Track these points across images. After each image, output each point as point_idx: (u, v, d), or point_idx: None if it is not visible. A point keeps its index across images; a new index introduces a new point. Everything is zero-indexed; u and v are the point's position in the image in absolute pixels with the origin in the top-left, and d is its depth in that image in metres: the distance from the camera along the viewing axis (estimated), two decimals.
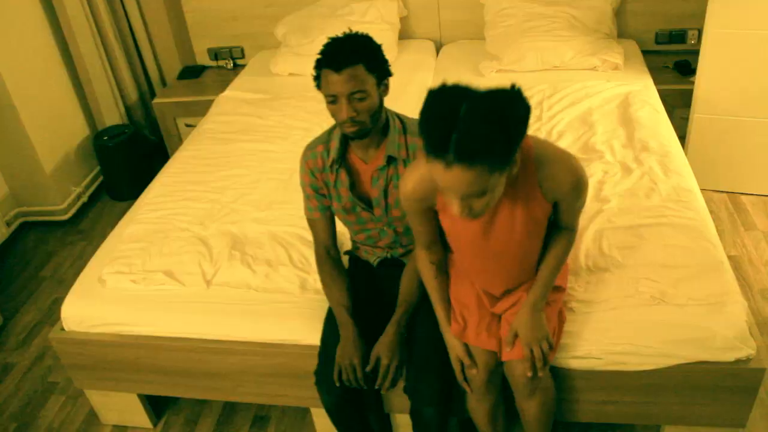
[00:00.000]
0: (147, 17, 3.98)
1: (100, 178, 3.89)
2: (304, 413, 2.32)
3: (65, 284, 3.11)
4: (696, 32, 3.53)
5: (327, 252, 1.94)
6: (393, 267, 1.98)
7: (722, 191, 3.20)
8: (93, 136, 3.75)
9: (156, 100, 3.83)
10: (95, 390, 2.30)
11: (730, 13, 2.76)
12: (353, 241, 2.06)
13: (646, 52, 3.52)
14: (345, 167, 1.82)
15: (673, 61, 3.51)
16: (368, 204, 1.86)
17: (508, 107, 1.27)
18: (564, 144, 2.62)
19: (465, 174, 1.26)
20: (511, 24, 3.44)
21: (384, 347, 1.80)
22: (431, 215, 1.67)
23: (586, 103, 2.91)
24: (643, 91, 2.96)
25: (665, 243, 2.03)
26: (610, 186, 2.33)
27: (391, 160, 1.78)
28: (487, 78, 3.30)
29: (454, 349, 1.77)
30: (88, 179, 3.81)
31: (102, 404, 2.36)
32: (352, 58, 1.61)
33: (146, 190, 2.71)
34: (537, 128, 2.75)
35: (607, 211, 2.20)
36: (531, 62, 3.29)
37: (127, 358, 2.13)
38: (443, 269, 1.81)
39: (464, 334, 1.76)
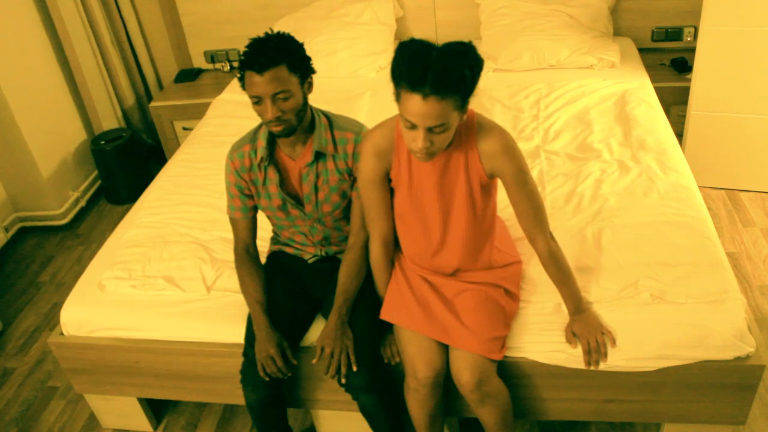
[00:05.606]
0: (143, 21, 3.98)
1: (98, 183, 3.89)
2: (304, 415, 2.32)
3: (64, 289, 3.12)
4: (692, 29, 3.54)
5: (246, 250, 1.98)
6: (326, 262, 2.02)
7: (720, 188, 3.21)
8: (90, 141, 3.75)
9: (153, 104, 3.83)
10: (95, 394, 2.30)
11: (726, 10, 2.77)
12: (278, 240, 2.07)
13: (642, 50, 3.53)
14: (274, 165, 1.84)
15: (669, 58, 3.51)
16: (298, 201, 1.89)
17: (471, 53, 1.50)
18: (561, 143, 2.63)
19: (437, 105, 1.45)
20: (506, 23, 3.44)
21: (326, 336, 1.82)
22: (387, 191, 1.78)
23: (583, 101, 2.91)
24: (640, 89, 2.96)
25: (664, 241, 2.03)
26: (608, 184, 2.33)
27: (318, 155, 1.81)
28: (483, 78, 3.29)
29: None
30: (86, 183, 3.81)
31: (102, 408, 2.36)
32: (274, 59, 1.63)
33: (144, 194, 2.71)
34: (534, 127, 2.75)
35: (605, 209, 2.20)
36: (527, 61, 3.30)
37: (127, 362, 2.13)
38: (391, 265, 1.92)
39: (402, 319, 1.81)
